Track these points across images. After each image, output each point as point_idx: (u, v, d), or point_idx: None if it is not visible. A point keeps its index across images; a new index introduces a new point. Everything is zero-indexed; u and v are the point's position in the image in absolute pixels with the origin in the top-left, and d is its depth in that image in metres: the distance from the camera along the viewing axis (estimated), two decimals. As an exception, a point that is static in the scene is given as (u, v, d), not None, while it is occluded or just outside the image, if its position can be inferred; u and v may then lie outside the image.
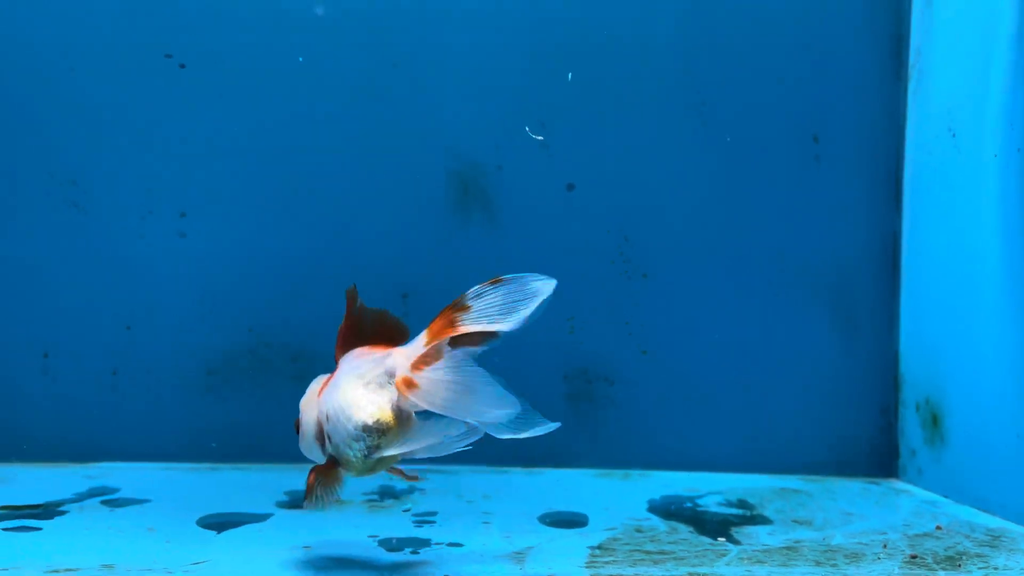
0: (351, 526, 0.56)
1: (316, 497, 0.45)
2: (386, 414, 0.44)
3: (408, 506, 0.62)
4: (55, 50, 0.77)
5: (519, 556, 0.49)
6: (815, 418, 0.83)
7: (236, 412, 0.78)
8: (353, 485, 0.69)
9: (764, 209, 0.83)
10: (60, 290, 0.77)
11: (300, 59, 0.80)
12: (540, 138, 0.80)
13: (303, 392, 0.80)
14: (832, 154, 0.84)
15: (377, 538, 0.53)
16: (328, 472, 0.46)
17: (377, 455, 0.44)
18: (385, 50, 0.81)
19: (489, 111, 0.82)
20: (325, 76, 0.80)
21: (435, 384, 0.43)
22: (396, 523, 0.57)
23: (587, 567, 0.47)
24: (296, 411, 0.80)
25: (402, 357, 0.45)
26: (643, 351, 0.82)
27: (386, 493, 0.67)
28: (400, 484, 0.70)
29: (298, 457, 0.80)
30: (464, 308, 0.44)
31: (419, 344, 0.45)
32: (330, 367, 0.80)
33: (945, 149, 0.74)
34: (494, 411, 0.44)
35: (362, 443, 0.44)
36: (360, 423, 0.43)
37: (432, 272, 0.82)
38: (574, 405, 0.82)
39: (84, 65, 0.78)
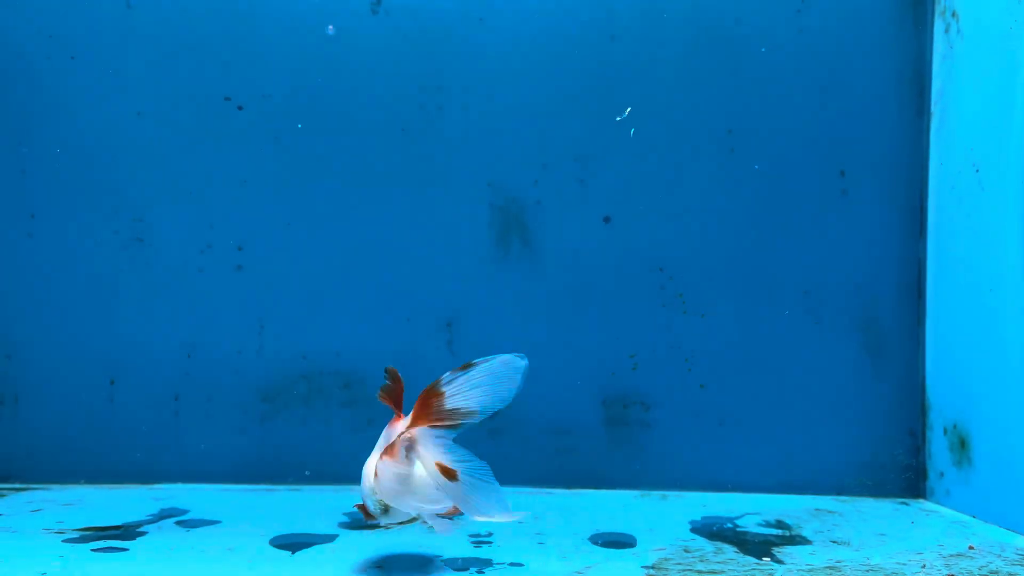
0: (414, 546, 0.59)
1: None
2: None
3: (465, 528, 0.65)
4: (122, 94, 0.82)
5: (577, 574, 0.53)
6: (846, 441, 0.86)
7: (290, 436, 0.82)
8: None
9: (794, 240, 0.87)
10: (126, 320, 0.82)
11: (345, 97, 0.84)
12: (628, 111, 0.84)
13: (353, 417, 0.85)
14: (858, 188, 0.88)
15: (441, 558, 0.56)
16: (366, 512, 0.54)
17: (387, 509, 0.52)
18: (431, 90, 0.85)
19: (529, 147, 0.87)
20: (373, 112, 0.85)
21: (383, 473, 0.51)
22: (455, 543, 0.61)
23: (646, 586, 0.51)
24: (346, 436, 0.85)
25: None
26: (683, 378, 0.86)
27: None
28: (452, 506, 0.74)
29: (349, 479, 0.84)
30: (438, 394, 0.51)
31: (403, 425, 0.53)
32: (378, 391, 0.84)
33: (968, 184, 0.78)
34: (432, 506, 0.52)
35: (372, 500, 0.52)
36: (370, 486, 0.52)
37: (475, 301, 0.86)
38: (613, 431, 0.85)
39: (150, 108, 0.82)
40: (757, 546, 0.62)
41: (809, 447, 0.86)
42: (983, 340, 0.75)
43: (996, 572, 0.56)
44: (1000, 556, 0.60)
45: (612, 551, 0.60)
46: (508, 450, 0.85)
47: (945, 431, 0.81)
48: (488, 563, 0.56)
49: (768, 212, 0.87)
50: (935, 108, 0.85)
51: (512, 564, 0.55)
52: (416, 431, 0.50)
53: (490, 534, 0.63)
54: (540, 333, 0.86)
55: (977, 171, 0.77)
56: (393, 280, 0.85)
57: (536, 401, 0.85)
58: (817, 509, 0.76)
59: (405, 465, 0.50)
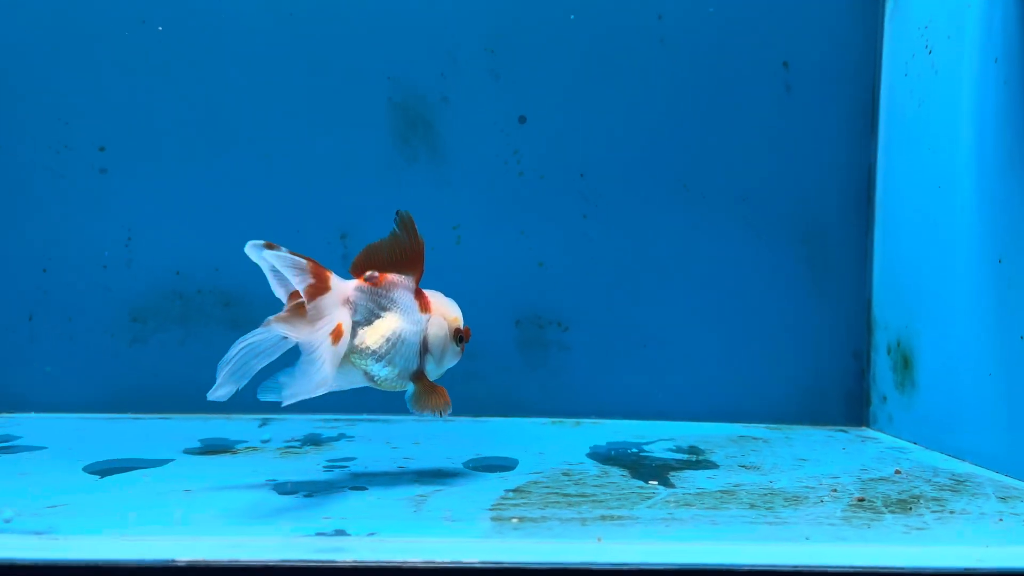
0: (250, 471, 0.51)
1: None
2: None
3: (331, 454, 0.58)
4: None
5: (420, 499, 0.45)
6: (784, 365, 0.78)
7: (164, 360, 0.74)
8: (271, 434, 0.65)
9: (730, 141, 0.78)
10: (-28, 230, 0.73)
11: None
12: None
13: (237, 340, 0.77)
14: (803, 81, 0.78)
15: (274, 482, 0.49)
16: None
17: None
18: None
19: (435, 35, 0.77)
20: None
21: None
22: (304, 467, 0.53)
23: (491, 509, 0.43)
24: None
25: None
26: (605, 296, 0.77)
27: (309, 440, 0.62)
28: (327, 432, 0.66)
29: (228, 408, 0.76)
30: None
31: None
32: (266, 311, 0.76)
33: (921, 68, 0.68)
34: None
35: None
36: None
37: (373, 211, 0.77)
38: (528, 353, 0.77)
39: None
40: (652, 470, 0.54)
41: (743, 372, 0.78)
42: (930, 246, 0.67)
43: (918, 497, 0.48)
44: (929, 481, 0.53)
45: (480, 474, 0.52)
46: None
47: (889, 350, 0.73)
48: (327, 487, 0.48)
49: (701, 110, 0.77)
50: (890, -12, 0.75)
51: (354, 488, 0.48)
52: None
53: (352, 459, 0.56)
54: (446, 247, 0.77)
55: (930, 52, 0.67)
56: (280, 186, 0.75)
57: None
58: (741, 436, 0.69)
59: None
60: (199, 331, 0.74)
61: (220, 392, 0.47)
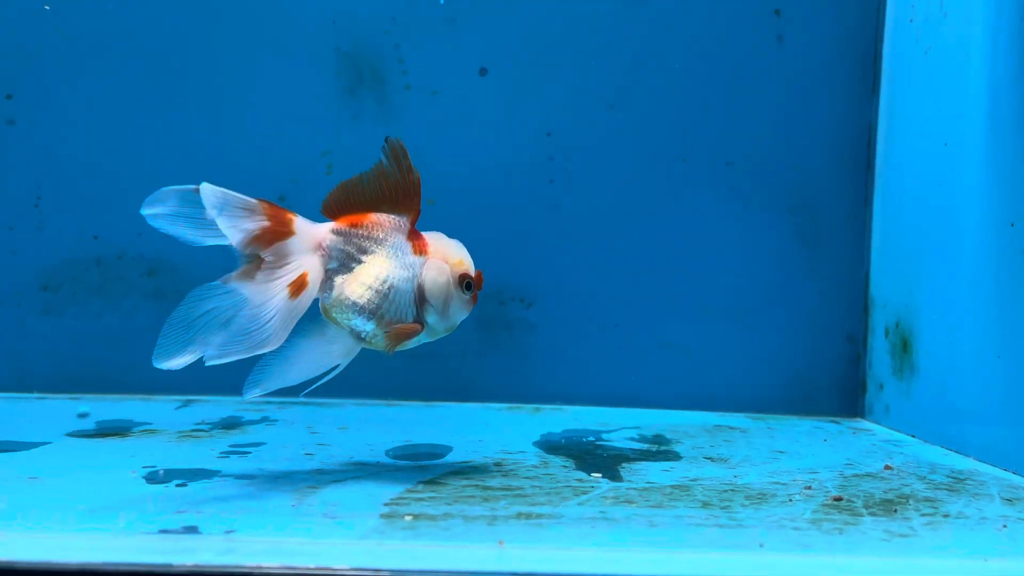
0: (127, 457, 0.44)
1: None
2: None
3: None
4: None
5: (309, 491, 0.38)
6: (770, 348, 0.70)
7: (80, 333, 0.67)
8: (185, 416, 0.58)
9: (714, 99, 0.69)
10: None
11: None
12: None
13: (160, 311, 0.69)
14: (797, 31, 0.69)
15: (151, 469, 0.41)
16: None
17: None
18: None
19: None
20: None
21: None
22: (197, 454, 0.46)
23: (387, 504, 0.35)
24: (151, 334, 0.70)
25: None
26: (573, 270, 0.70)
27: (224, 423, 0.55)
28: (249, 415, 0.59)
29: (149, 388, 0.69)
30: None
31: None
32: (194, 281, 0.68)
33: (928, 11, 0.60)
34: None
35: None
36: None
37: (318, 170, 0.69)
38: (486, 332, 0.70)
39: None
40: (602, 460, 0.47)
41: (724, 356, 0.70)
42: (935, 212, 0.59)
43: (907, 497, 0.40)
44: (924, 479, 0.45)
45: (395, 463, 0.45)
46: (357, 356, 0.70)
47: (887, 332, 0.65)
48: (210, 475, 0.41)
49: (682, 63, 0.69)
50: (894, -76, 0.67)
51: (239, 477, 0.41)
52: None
53: (259, 444, 0.49)
54: (397, 212, 0.69)
55: (937, -9, 0.59)
56: (211, 142, 0.68)
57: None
58: (717, 426, 0.61)
59: None
60: (119, 302, 0.67)
61: (175, 362, 0.39)
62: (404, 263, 0.42)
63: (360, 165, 0.70)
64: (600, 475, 0.43)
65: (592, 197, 0.70)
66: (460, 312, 0.44)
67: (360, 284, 0.41)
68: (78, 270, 0.67)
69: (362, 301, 0.41)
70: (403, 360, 0.69)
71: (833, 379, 0.70)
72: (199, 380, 0.68)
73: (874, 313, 0.67)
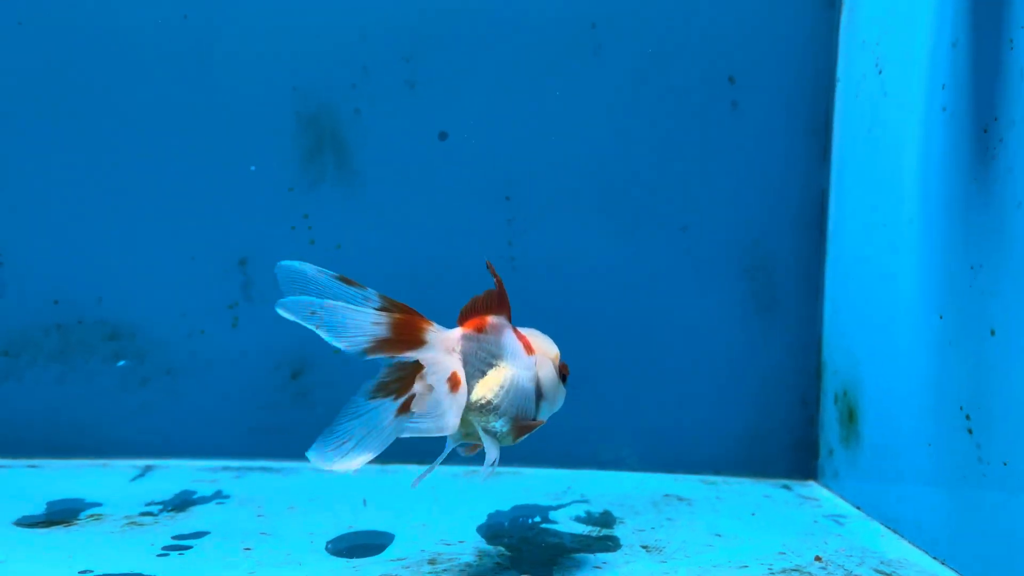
0: (64, 558, 0.44)
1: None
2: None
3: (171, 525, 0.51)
4: None
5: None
6: (725, 410, 0.71)
7: (40, 398, 0.68)
8: (138, 492, 0.58)
9: (671, 164, 0.70)
10: None
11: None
12: None
13: (123, 375, 0.70)
14: (752, 98, 0.70)
15: (89, 574, 0.42)
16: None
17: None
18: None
19: (346, 42, 0.70)
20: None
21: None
22: (136, 550, 0.46)
23: (308, 627, 0.36)
24: (112, 397, 0.70)
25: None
26: (522, 326, 0.71)
27: (175, 503, 0.56)
28: (205, 489, 0.59)
29: (106, 452, 0.70)
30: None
31: None
32: (156, 345, 0.69)
33: (871, 89, 0.61)
34: None
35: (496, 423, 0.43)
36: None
37: (278, 235, 0.70)
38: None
39: None
40: (539, 552, 0.47)
41: (680, 417, 0.71)
42: (877, 288, 0.59)
43: (828, 602, 0.41)
44: (850, 574, 0.46)
45: (333, 560, 0.45)
46: (316, 418, 0.70)
47: (836, 399, 0.66)
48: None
49: (639, 129, 0.70)
50: (845, -5, 0.68)
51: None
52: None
53: (204, 534, 0.49)
54: (357, 273, 0.70)
55: (880, 72, 0.60)
56: (172, 206, 0.69)
57: (351, 357, 0.70)
58: (668, 496, 0.62)
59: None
60: (80, 366, 0.68)
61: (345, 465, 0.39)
62: (524, 364, 0.44)
63: (321, 227, 0.71)
64: (529, 576, 0.44)
65: (549, 260, 0.70)
66: (561, 401, 0.48)
67: (498, 387, 0.42)
68: (38, 335, 0.68)
69: (498, 402, 0.42)
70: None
71: (788, 441, 0.71)
72: (159, 443, 0.70)
73: (826, 378, 0.68)
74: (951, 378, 0.49)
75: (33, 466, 0.64)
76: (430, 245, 0.70)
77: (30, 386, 0.67)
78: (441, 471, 0.67)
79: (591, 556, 0.47)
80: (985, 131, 0.46)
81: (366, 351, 0.39)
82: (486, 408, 0.42)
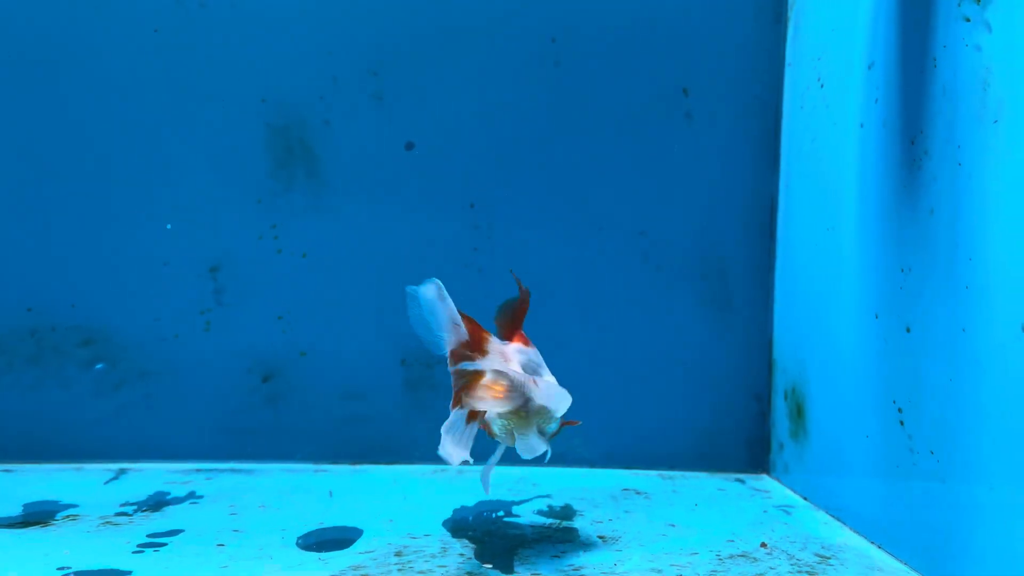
0: (40, 557, 0.46)
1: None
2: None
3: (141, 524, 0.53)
4: None
5: (210, 597, 0.41)
6: (682, 407, 0.74)
7: (15, 404, 0.69)
8: (113, 494, 0.60)
9: (628, 172, 0.74)
10: None
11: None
12: None
13: (97, 380, 0.72)
14: (704, 109, 0.74)
15: (66, 570, 0.44)
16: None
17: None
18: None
19: (314, 54, 0.72)
20: (120, 6, 0.70)
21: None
22: (111, 549, 0.48)
23: (279, 614, 0.39)
24: (88, 401, 0.72)
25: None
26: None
27: (149, 503, 0.57)
28: (178, 489, 0.61)
29: (80, 455, 0.71)
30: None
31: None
32: (129, 350, 0.70)
33: (814, 101, 0.65)
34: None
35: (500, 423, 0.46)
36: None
37: (248, 243, 0.72)
38: (414, 395, 0.73)
39: None
40: (501, 543, 0.50)
41: (638, 414, 0.74)
42: (821, 290, 0.63)
43: (769, 584, 0.44)
44: (792, 558, 0.49)
45: (304, 555, 0.48)
46: (288, 420, 0.72)
47: (786, 395, 0.69)
48: (125, 575, 0.43)
49: (598, 139, 0.73)
50: (792, 12, 0.71)
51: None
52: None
53: (177, 532, 0.51)
54: (326, 281, 0.72)
55: (822, 86, 0.63)
56: (144, 215, 0.71)
57: (322, 362, 0.72)
58: (625, 489, 0.65)
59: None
60: (54, 372, 0.70)
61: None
62: (547, 369, 0.49)
63: (291, 235, 0.73)
64: (491, 566, 0.46)
65: (514, 264, 0.73)
66: None
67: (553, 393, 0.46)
68: (13, 341, 0.69)
69: (554, 407, 0.46)
70: (332, 423, 0.73)
71: (742, 435, 0.74)
72: (133, 446, 0.72)
73: (776, 375, 0.72)
74: (886, 374, 0.52)
75: (8, 471, 0.65)
76: (397, 252, 0.73)
77: (5, 391, 0.69)
78: (409, 469, 0.70)
79: (550, 546, 0.50)
80: (912, 142, 0.49)
81: (448, 355, 0.45)
82: (544, 411, 0.45)
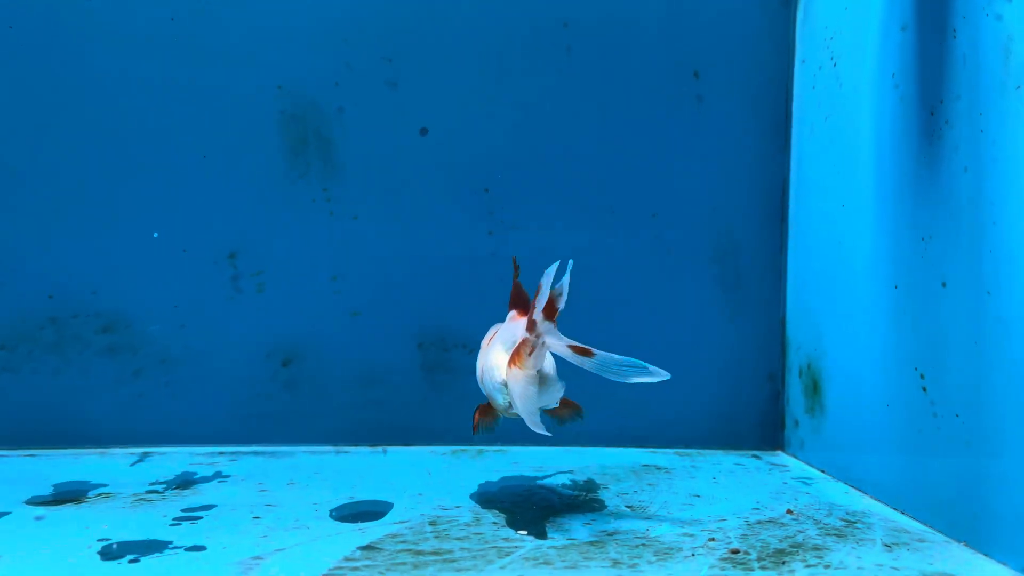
0: (82, 529, 0.47)
1: (479, 428, 0.53)
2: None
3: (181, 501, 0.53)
4: None
5: (252, 563, 0.41)
6: (696, 387, 0.75)
7: (37, 391, 0.69)
8: (141, 475, 0.60)
9: (640, 155, 0.74)
10: None
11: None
12: None
13: (117, 367, 0.72)
14: (715, 92, 0.75)
15: (106, 543, 0.44)
16: (487, 410, 0.54)
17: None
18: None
19: (329, 42, 0.72)
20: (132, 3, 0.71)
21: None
22: (150, 521, 0.49)
23: (324, 576, 0.39)
24: (108, 389, 0.72)
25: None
26: (505, 313, 0.74)
27: (178, 482, 0.58)
28: (202, 470, 0.62)
29: (103, 441, 0.71)
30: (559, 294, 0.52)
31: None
32: (146, 335, 0.71)
33: (827, 80, 0.66)
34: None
35: (501, 394, 0.51)
36: (500, 380, 0.51)
37: (265, 228, 0.73)
38: (431, 377, 0.73)
39: None
40: (532, 513, 0.51)
41: (654, 395, 0.73)
42: (837, 266, 0.64)
43: (799, 546, 0.45)
44: (819, 523, 0.50)
45: (340, 525, 0.48)
46: (306, 404, 0.73)
47: (800, 372, 0.70)
48: (162, 547, 0.44)
49: (610, 123, 0.74)
50: (801, -6, 0.73)
51: (191, 548, 0.44)
52: (545, 326, 0.51)
53: (211, 507, 0.52)
54: (344, 265, 0.73)
55: (835, 64, 0.64)
56: (163, 202, 0.71)
57: (339, 346, 0.73)
58: (647, 465, 0.65)
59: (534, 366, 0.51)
60: (74, 359, 0.70)
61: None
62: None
63: (306, 221, 0.74)
64: (526, 532, 0.47)
65: (528, 248, 0.74)
66: None
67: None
68: (34, 328, 0.69)
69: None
70: (352, 406, 0.73)
71: (756, 415, 0.75)
72: (155, 431, 0.72)
73: (790, 354, 0.73)
74: (906, 342, 0.53)
75: (32, 455, 0.66)
76: (412, 237, 0.73)
77: (27, 379, 0.69)
78: (429, 451, 0.71)
79: (580, 515, 0.51)
80: (932, 113, 0.50)
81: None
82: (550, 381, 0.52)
